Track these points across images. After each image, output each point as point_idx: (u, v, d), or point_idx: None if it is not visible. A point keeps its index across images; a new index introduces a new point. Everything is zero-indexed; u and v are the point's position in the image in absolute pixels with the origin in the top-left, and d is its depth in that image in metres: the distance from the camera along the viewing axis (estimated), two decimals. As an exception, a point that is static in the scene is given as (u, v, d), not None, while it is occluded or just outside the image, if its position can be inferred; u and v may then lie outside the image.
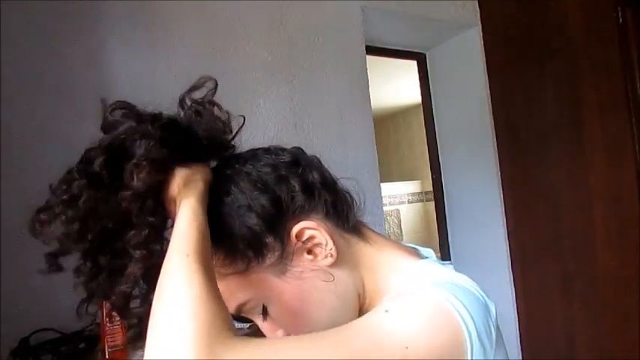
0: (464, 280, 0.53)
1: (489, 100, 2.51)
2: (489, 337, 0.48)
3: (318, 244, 0.55)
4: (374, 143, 2.13)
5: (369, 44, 2.25)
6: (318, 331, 0.50)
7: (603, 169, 2.06)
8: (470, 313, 0.47)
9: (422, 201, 5.21)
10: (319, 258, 0.55)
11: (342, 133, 2.03)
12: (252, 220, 0.54)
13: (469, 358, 0.46)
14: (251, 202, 0.55)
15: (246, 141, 2.04)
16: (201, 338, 0.40)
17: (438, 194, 2.80)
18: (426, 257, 0.62)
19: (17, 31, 1.45)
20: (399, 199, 5.10)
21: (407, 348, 0.43)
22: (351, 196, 0.62)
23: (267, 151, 0.61)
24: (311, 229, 0.55)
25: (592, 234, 2.11)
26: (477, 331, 0.47)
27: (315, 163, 0.60)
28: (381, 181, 2.17)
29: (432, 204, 2.99)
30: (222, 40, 1.80)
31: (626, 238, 1.98)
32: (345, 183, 0.65)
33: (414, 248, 0.65)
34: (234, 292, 0.56)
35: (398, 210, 5.06)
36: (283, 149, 0.61)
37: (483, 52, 2.52)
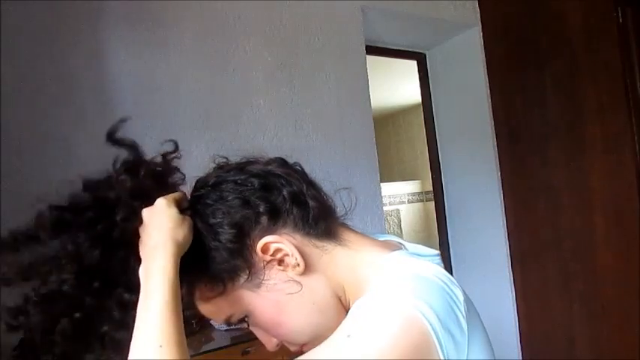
0: (427, 271, 0.55)
1: (489, 100, 2.51)
2: (457, 323, 0.51)
3: (286, 255, 0.59)
4: (374, 143, 2.13)
5: (369, 44, 2.25)
6: (299, 338, 0.60)
7: (603, 169, 2.06)
8: (433, 310, 0.49)
9: (422, 201, 5.20)
10: (290, 268, 0.59)
11: (342, 133, 2.03)
12: (221, 247, 0.59)
13: (440, 351, 0.48)
14: (218, 231, 0.59)
15: (246, 141, 2.04)
16: None
17: (438, 194, 2.80)
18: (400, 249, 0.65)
19: (17, 31, 1.45)
20: (399, 199, 5.10)
21: None
22: (326, 205, 0.64)
23: (241, 171, 0.63)
24: (275, 242, 0.58)
25: (592, 234, 2.11)
26: (442, 324, 0.49)
27: (288, 179, 0.62)
28: (381, 181, 2.17)
29: (432, 204, 2.99)
30: (222, 40, 1.80)
31: (626, 238, 1.98)
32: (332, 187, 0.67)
33: (399, 242, 0.67)
34: (219, 309, 0.61)
35: (398, 210, 5.05)
36: (254, 175, 0.62)
37: (483, 52, 2.52)
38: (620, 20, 1.98)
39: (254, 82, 1.85)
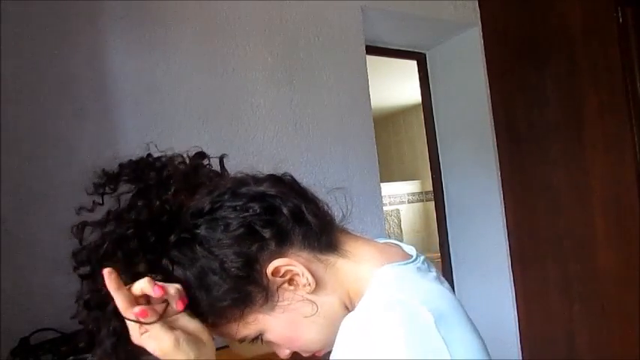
0: (409, 293, 0.55)
1: (489, 100, 2.51)
2: (429, 344, 0.50)
3: (296, 274, 0.59)
4: (374, 143, 2.13)
5: (369, 44, 2.25)
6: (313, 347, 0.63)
7: (603, 169, 2.06)
8: (399, 345, 0.49)
9: (422, 201, 5.21)
10: (300, 287, 0.60)
11: (342, 133, 2.03)
12: (231, 276, 0.58)
13: None
14: (225, 260, 0.58)
15: (246, 141, 2.04)
16: None
17: (438, 194, 2.80)
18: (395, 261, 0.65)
19: (17, 31, 1.45)
20: (399, 199, 5.10)
21: None
22: (325, 217, 0.63)
23: (235, 195, 0.60)
24: (285, 265, 0.58)
25: (592, 234, 2.11)
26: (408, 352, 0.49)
27: (284, 198, 0.61)
28: (381, 181, 2.17)
29: (432, 204, 2.99)
30: (222, 40, 1.80)
31: (626, 238, 1.98)
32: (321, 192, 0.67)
33: (395, 244, 0.68)
34: (234, 332, 0.62)
35: (398, 210, 5.06)
36: (252, 198, 0.60)
37: (483, 52, 2.52)
38: (620, 20, 1.98)
39: (254, 82, 1.85)
